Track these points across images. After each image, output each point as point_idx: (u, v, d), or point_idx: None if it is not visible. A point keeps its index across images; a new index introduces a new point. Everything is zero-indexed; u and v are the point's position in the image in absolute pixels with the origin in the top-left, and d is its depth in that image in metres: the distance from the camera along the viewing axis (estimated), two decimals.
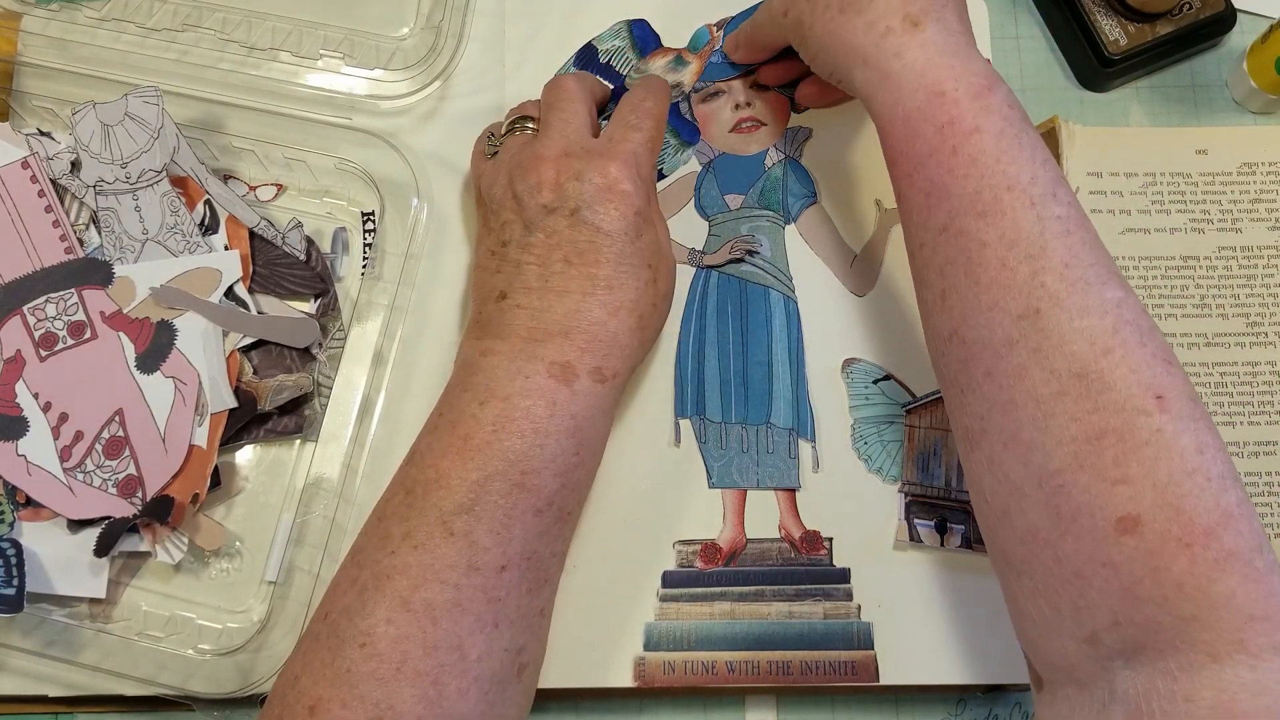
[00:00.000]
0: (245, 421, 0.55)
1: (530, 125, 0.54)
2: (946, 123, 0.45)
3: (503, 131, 0.55)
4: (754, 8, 0.62)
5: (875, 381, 0.58)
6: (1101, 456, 0.40)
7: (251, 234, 0.57)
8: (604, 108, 0.59)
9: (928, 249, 0.47)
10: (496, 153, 0.54)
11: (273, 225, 0.57)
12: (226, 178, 0.60)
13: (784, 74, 0.61)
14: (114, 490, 0.53)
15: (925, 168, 0.46)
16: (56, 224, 0.56)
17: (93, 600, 0.54)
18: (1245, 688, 0.37)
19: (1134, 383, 0.40)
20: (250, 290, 0.57)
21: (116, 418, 0.54)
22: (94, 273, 0.56)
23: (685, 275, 0.59)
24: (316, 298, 0.58)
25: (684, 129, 0.61)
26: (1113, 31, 0.63)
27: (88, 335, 0.55)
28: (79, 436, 0.54)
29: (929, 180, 0.46)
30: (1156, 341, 0.42)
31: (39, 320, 0.55)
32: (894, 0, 0.47)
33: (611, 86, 0.61)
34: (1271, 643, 0.38)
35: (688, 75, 0.62)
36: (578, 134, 0.52)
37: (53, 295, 0.55)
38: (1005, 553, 0.45)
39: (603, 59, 0.62)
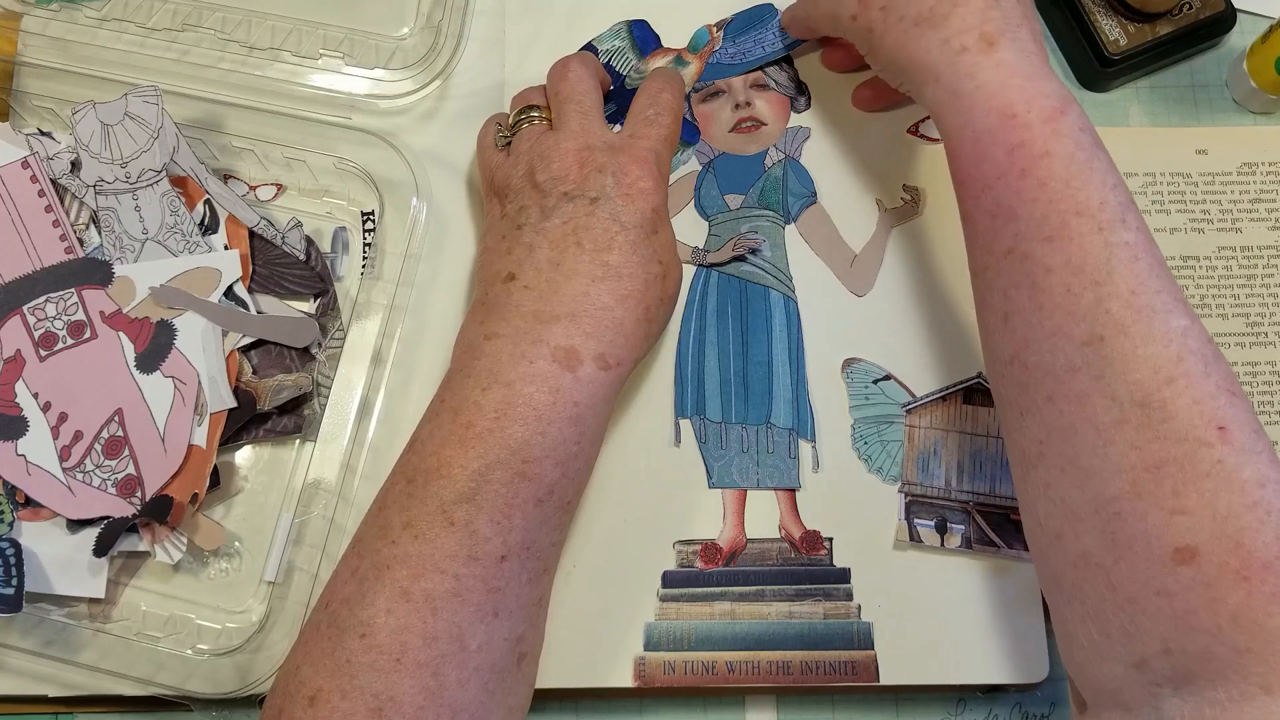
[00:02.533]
0: (244, 421, 0.55)
1: (537, 114, 0.54)
2: (1016, 145, 0.45)
3: (510, 121, 0.55)
4: (753, 9, 0.63)
5: (875, 381, 0.58)
6: (1161, 486, 0.40)
7: (251, 234, 0.57)
8: (605, 95, 0.58)
9: (991, 271, 0.46)
10: (509, 143, 0.54)
11: (272, 225, 0.57)
12: (226, 177, 0.60)
13: (847, 61, 0.60)
14: (113, 490, 0.53)
15: (993, 190, 0.45)
16: (56, 224, 0.56)
17: (92, 600, 0.54)
18: None
19: (1196, 413, 0.40)
20: (250, 290, 0.57)
21: (116, 417, 0.54)
22: (94, 272, 0.56)
23: (686, 275, 0.59)
24: (316, 297, 0.58)
25: (684, 129, 0.61)
26: (1113, 31, 0.63)
27: (87, 335, 0.55)
28: (78, 436, 0.54)
29: (996, 203, 0.45)
30: (1221, 371, 0.42)
31: (39, 320, 0.55)
32: (970, 17, 0.47)
33: (613, 86, 0.61)
34: None
35: (688, 75, 0.62)
36: (597, 126, 0.52)
37: (52, 295, 0.55)
38: (1056, 576, 0.45)
39: (603, 59, 0.62)
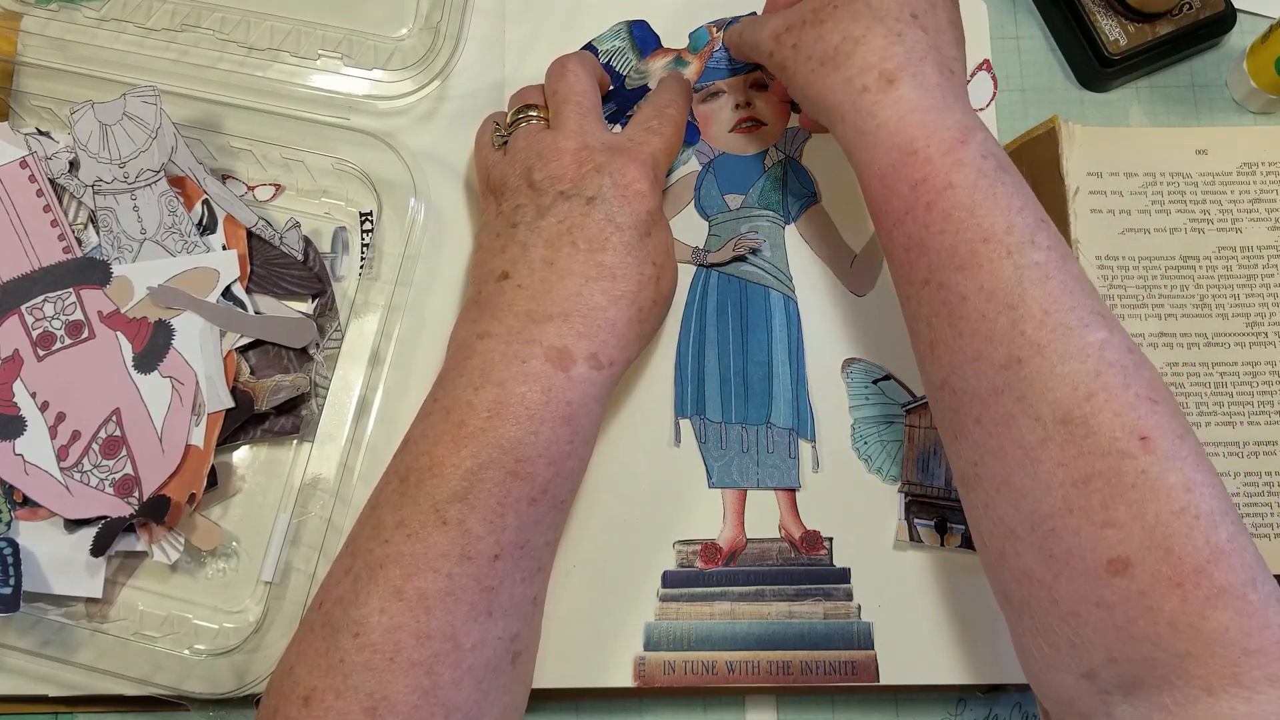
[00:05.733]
0: (242, 421, 0.55)
1: (534, 114, 0.54)
2: (919, 180, 0.45)
3: (508, 121, 0.55)
4: (751, 15, 0.63)
5: (875, 381, 0.58)
6: (1089, 500, 0.41)
7: (249, 234, 0.57)
8: (604, 96, 0.58)
9: (913, 301, 0.47)
10: (505, 142, 0.54)
11: (270, 225, 0.57)
12: (225, 178, 0.60)
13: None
14: (111, 490, 0.53)
15: (903, 224, 0.46)
16: (55, 223, 0.56)
17: (89, 600, 0.54)
18: None
19: (1118, 426, 0.41)
20: (248, 290, 0.57)
21: (114, 417, 0.54)
22: (92, 272, 0.56)
23: (686, 275, 0.59)
24: (314, 298, 0.58)
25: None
26: (1113, 31, 0.63)
27: (85, 335, 0.55)
28: (76, 436, 0.54)
29: (907, 236, 0.46)
30: (1142, 379, 0.42)
31: (37, 319, 0.55)
32: (871, 56, 0.47)
33: (612, 86, 0.61)
34: (1266, 675, 0.38)
35: (688, 75, 0.62)
36: (595, 126, 0.52)
37: (51, 295, 0.55)
38: (1004, 592, 0.45)
39: (603, 59, 0.62)
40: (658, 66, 0.62)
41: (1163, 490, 0.40)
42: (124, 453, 0.54)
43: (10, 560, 0.51)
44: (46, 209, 0.56)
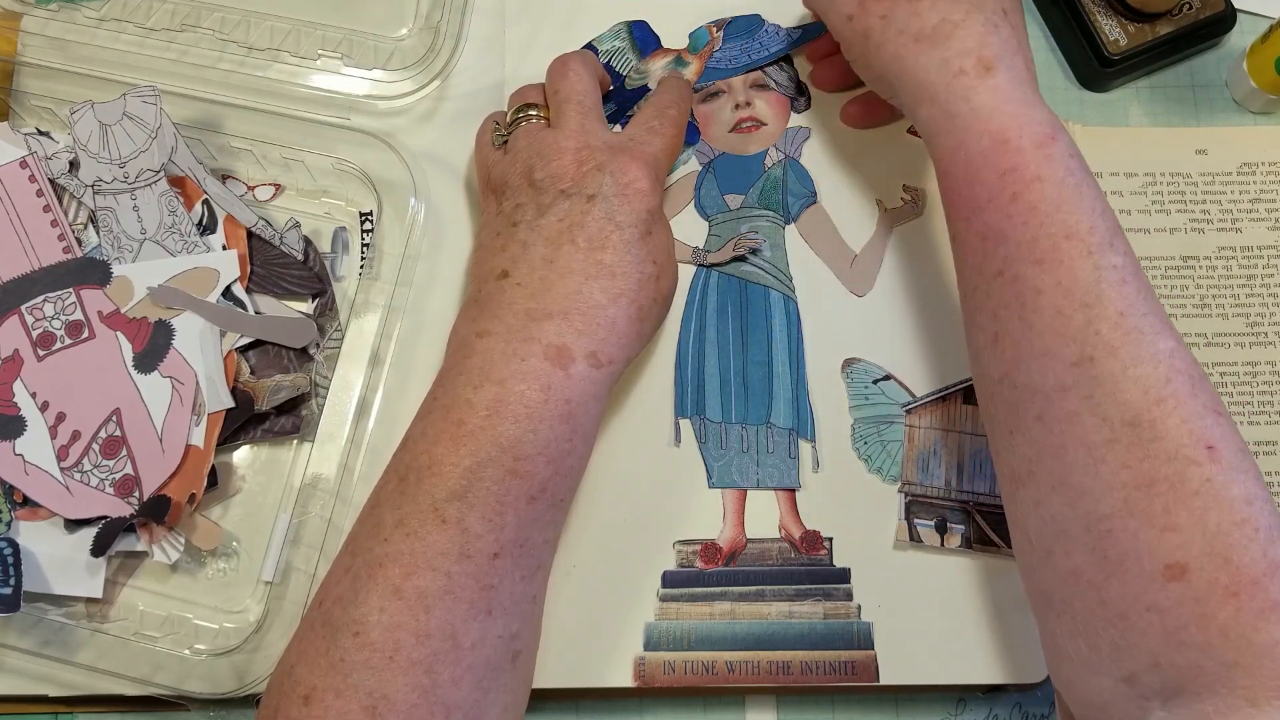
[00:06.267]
0: (242, 421, 0.55)
1: (535, 113, 0.54)
2: (1008, 170, 0.45)
3: (508, 120, 0.55)
4: (751, 16, 0.63)
5: (875, 381, 0.58)
6: (1152, 504, 0.41)
7: (249, 234, 0.57)
8: (604, 95, 0.58)
9: (981, 292, 0.47)
10: (506, 141, 0.54)
11: (270, 225, 0.57)
12: (224, 177, 0.60)
13: (838, 80, 0.60)
14: (111, 490, 0.53)
15: (984, 213, 0.46)
16: (55, 223, 0.56)
17: (89, 600, 0.54)
18: None
19: (1185, 433, 0.41)
20: (248, 290, 0.57)
21: (114, 417, 0.54)
22: (92, 272, 0.56)
23: (686, 275, 0.59)
24: (314, 298, 0.58)
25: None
26: (1113, 31, 0.63)
27: (85, 335, 0.55)
28: (76, 436, 0.54)
29: (987, 225, 0.46)
30: (1207, 391, 0.42)
31: (37, 320, 0.55)
32: (970, 40, 0.47)
33: (612, 86, 0.61)
34: None
35: (688, 75, 0.62)
36: (596, 126, 0.52)
37: (51, 295, 0.55)
38: (1046, 591, 0.45)
39: (603, 59, 0.62)
40: (658, 66, 0.62)
41: (1225, 500, 0.40)
42: (124, 453, 0.54)
43: (10, 560, 0.51)
44: (46, 209, 0.56)
